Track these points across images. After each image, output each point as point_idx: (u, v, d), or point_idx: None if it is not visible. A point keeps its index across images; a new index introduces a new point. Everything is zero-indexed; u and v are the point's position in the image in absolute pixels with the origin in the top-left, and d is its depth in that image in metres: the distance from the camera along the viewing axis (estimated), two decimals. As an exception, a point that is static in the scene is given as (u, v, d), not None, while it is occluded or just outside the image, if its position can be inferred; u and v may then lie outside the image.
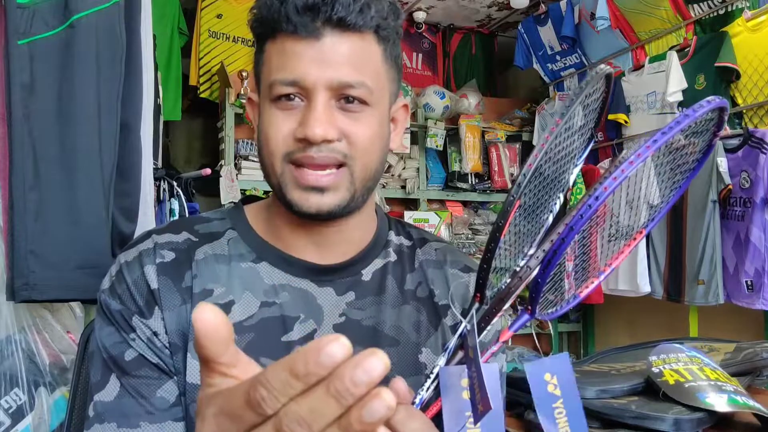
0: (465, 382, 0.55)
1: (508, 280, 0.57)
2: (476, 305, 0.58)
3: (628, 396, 1.04)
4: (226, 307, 0.70)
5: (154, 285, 0.69)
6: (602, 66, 0.61)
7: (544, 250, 0.53)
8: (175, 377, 0.68)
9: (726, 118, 0.58)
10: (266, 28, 0.68)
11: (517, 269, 0.56)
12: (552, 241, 0.51)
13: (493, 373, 0.57)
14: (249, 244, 0.75)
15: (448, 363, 0.57)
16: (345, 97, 0.67)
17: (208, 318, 0.30)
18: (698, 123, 0.56)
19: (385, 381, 0.62)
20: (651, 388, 1.03)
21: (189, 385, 0.67)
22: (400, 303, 0.76)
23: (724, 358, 1.18)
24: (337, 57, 0.66)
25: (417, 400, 0.57)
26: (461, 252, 0.88)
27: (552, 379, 0.58)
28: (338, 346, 0.28)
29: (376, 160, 0.71)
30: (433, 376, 0.57)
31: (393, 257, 0.80)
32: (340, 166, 0.68)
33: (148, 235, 0.75)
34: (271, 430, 0.29)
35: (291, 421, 0.28)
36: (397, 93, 0.76)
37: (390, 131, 0.76)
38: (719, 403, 0.92)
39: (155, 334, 0.68)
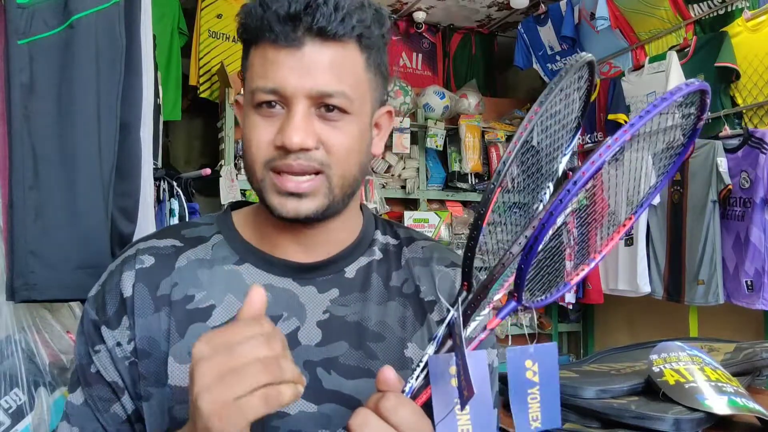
0: (453, 369, 0.57)
1: (492, 267, 0.58)
2: (463, 294, 0.59)
3: (628, 396, 1.04)
4: (207, 312, 0.72)
5: (127, 293, 0.72)
6: (583, 54, 0.63)
7: (526, 236, 0.54)
8: (125, 397, 0.72)
9: (708, 101, 0.59)
10: (250, 35, 0.69)
11: (501, 256, 0.57)
12: (533, 227, 0.52)
13: (480, 360, 0.58)
14: (233, 247, 0.77)
15: (437, 352, 0.59)
16: (324, 106, 0.68)
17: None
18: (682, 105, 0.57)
19: (373, 375, 0.62)
20: (651, 388, 1.03)
21: (174, 387, 0.69)
22: (386, 299, 0.77)
23: (724, 358, 1.18)
24: (317, 66, 0.66)
25: (407, 389, 0.58)
26: (448, 249, 0.88)
27: (533, 366, 0.59)
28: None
29: (355, 167, 0.72)
30: (422, 365, 0.58)
31: (378, 255, 0.81)
32: (317, 173, 0.69)
33: (134, 243, 0.78)
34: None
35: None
36: (381, 99, 0.77)
37: (372, 137, 0.76)
38: (719, 405, 0.92)
39: (118, 344, 0.71)
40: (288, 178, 0.68)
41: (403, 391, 0.57)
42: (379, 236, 0.83)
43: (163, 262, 0.74)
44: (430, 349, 0.59)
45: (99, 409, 0.72)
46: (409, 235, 0.86)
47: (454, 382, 0.56)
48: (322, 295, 0.75)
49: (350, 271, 0.78)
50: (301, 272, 0.76)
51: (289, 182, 0.68)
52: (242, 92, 0.74)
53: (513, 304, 0.58)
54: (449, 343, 0.58)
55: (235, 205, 0.83)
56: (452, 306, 0.58)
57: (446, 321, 0.58)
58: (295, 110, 0.66)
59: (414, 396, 0.58)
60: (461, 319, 0.57)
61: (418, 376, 0.58)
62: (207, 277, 0.74)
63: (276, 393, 0.50)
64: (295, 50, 0.66)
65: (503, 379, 1.27)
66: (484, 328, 0.61)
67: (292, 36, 0.65)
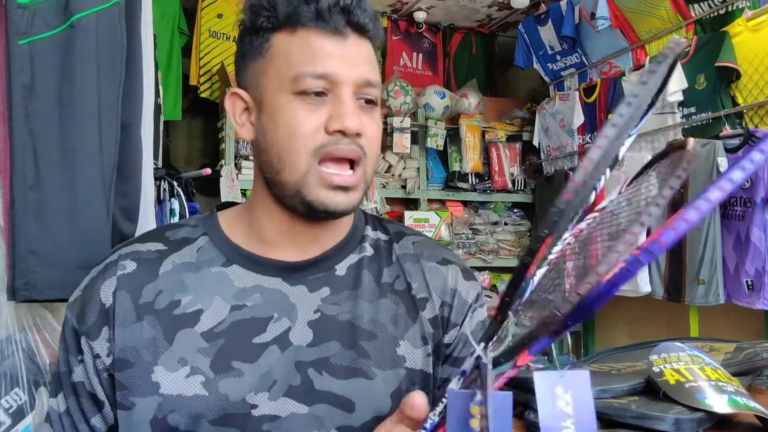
0: (474, 409, 0.52)
1: (534, 328, 0.49)
2: (495, 332, 0.54)
3: (628, 396, 1.03)
4: (195, 317, 0.71)
5: (108, 302, 0.71)
6: (677, 38, 0.49)
7: (579, 294, 0.42)
8: (105, 409, 0.72)
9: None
10: (281, 21, 0.69)
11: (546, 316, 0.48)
12: (589, 286, 0.41)
13: (505, 402, 0.53)
14: (220, 249, 0.76)
15: (460, 386, 0.55)
16: (364, 97, 0.71)
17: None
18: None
19: (369, 379, 0.62)
20: (651, 388, 1.03)
21: (167, 396, 0.68)
22: (377, 296, 0.77)
23: (725, 358, 1.18)
24: (360, 57, 0.70)
25: (428, 426, 0.55)
26: (439, 245, 0.88)
27: (565, 395, 0.53)
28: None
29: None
30: (444, 401, 0.55)
31: (369, 251, 0.80)
32: (353, 165, 0.70)
33: (118, 247, 0.77)
34: None
35: None
36: None
37: None
38: (719, 404, 0.92)
39: (97, 356, 0.71)
40: (335, 172, 0.69)
41: (424, 428, 0.55)
42: (369, 232, 0.82)
43: (145, 267, 0.73)
44: (454, 384, 0.55)
45: (79, 420, 0.73)
46: (398, 231, 0.85)
47: (474, 423, 0.52)
48: (313, 294, 0.74)
49: (341, 268, 0.77)
50: (291, 271, 0.75)
51: (336, 176, 0.69)
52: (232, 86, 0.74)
53: (547, 340, 0.53)
54: (474, 373, 0.54)
55: (221, 207, 0.82)
56: (482, 347, 0.53)
57: (473, 356, 0.54)
58: (345, 97, 0.69)
59: None
60: (491, 365, 0.52)
61: (440, 413, 0.55)
62: (193, 280, 0.73)
63: None
64: (342, 39, 0.69)
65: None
66: (515, 364, 0.55)
67: (341, 25, 0.69)
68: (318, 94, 0.68)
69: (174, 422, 0.68)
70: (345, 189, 0.70)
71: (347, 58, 0.69)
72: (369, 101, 0.71)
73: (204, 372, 0.69)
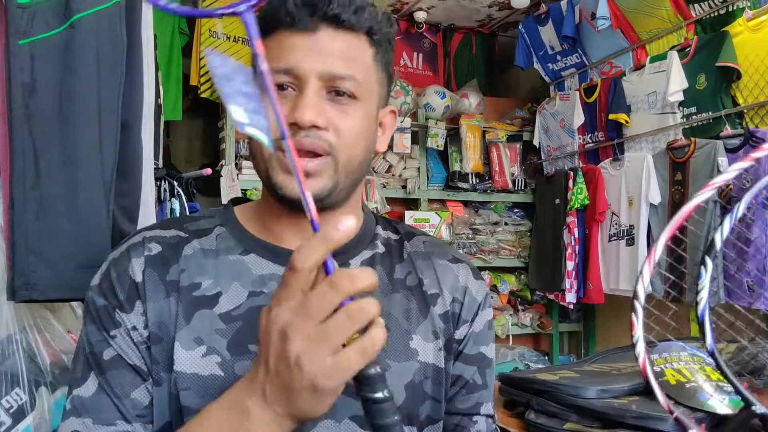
0: None
1: None
2: None
3: (629, 396, 1.04)
4: (214, 299, 0.72)
5: (138, 278, 0.72)
6: None
7: None
8: (149, 381, 0.70)
9: None
10: (266, 26, 0.70)
11: None
12: None
13: None
14: (237, 238, 0.77)
15: None
16: (335, 90, 0.70)
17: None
18: None
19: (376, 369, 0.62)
20: (652, 388, 1.03)
21: (179, 374, 0.69)
22: (390, 291, 0.78)
23: (726, 358, 1.18)
24: (330, 50, 0.69)
25: None
26: (450, 246, 0.89)
27: None
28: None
29: (361, 154, 0.73)
30: None
31: (381, 249, 0.82)
32: (325, 155, 0.70)
33: (137, 232, 0.78)
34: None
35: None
36: (386, 98, 0.80)
37: (377, 133, 0.78)
38: (720, 405, 0.92)
39: (134, 328, 0.70)
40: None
41: None
42: (380, 231, 0.84)
43: (169, 250, 0.75)
44: None
45: (118, 395, 0.69)
46: (408, 230, 0.87)
47: None
48: None
49: (355, 263, 0.78)
50: None
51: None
52: None
53: None
54: None
55: (236, 202, 0.84)
56: None
57: None
58: (308, 89, 0.68)
59: None
60: None
61: None
62: (212, 266, 0.74)
63: (369, 342, 0.50)
64: (311, 34, 0.69)
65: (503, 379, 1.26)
66: None
67: (306, 20, 0.69)
68: (282, 87, 0.69)
69: (186, 401, 0.68)
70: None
71: (313, 52, 0.69)
72: (341, 93, 0.70)
73: (221, 353, 0.70)
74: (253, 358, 0.70)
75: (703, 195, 0.56)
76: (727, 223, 0.54)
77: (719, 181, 0.54)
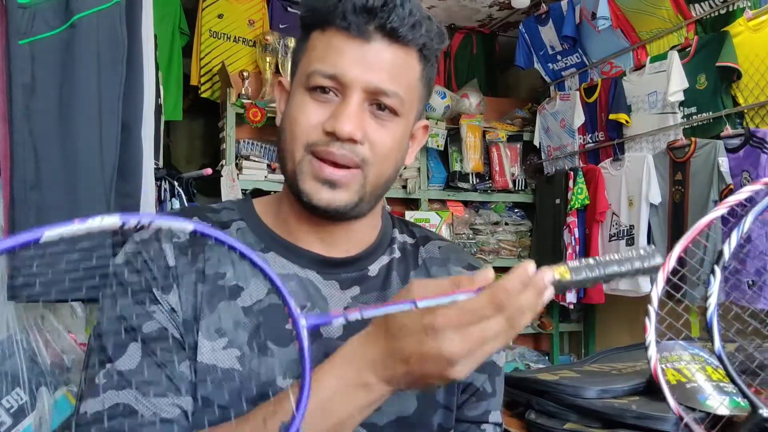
0: None
1: None
2: None
3: (629, 396, 1.03)
4: (236, 291, 0.71)
5: (171, 262, 0.70)
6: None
7: None
8: (188, 358, 0.67)
9: None
10: (317, 19, 0.70)
11: None
12: None
13: None
14: (257, 234, 0.76)
15: None
16: (377, 104, 0.69)
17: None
18: None
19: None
20: (652, 388, 1.03)
21: (200, 364, 0.67)
22: None
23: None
24: (380, 63, 0.68)
25: None
26: (464, 251, 0.89)
27: None
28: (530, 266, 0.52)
29: (391, 169, 0.73)
30: None
31: (398, 254, 0.81)
32: (355, 167, 0.69)
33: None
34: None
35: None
36: (422, 112, 0.78)
37: (408, 146, 0.77)
38: (720, 405, 0.92)
39: (173, 310, 0.68)
40: (325, 165, 0.68)
41: None
42: (397, 235, 0.83)
43: (195, 239, 0.72)
44: None
45: (167, 366, 0.65)
46: (424, 235, 0.86)
47: None
48: (344, 292, 0.75)
49: (373, 269, 0.78)
50: (326, 266, 0.75)
51: (326, 169, 0.68)
52: (289, 74, 0.75)
53: None
54: None
55: (254, 194, 0.83)
56: None
57: None
58: (351, 100, 0.67)
59: None
60: None
61: None
62: (233, 260, 0.73)
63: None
64: (363, 43, 0.67)
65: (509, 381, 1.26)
66: None
67: (363, 28, 0.67)
68: (324, 90, 0.68)
69: (203, 392, 0.66)
70: (332, 184, 0.68)
71: (363, 62, 0.67)
72: (383, 108, 0.69)
73: (240, 347, 0.69)
74: (270, 355, 0.69)
75: (718, 212, 0.60)
76: (735, 237, 0.58)
77: (733, 200, 0.58)
